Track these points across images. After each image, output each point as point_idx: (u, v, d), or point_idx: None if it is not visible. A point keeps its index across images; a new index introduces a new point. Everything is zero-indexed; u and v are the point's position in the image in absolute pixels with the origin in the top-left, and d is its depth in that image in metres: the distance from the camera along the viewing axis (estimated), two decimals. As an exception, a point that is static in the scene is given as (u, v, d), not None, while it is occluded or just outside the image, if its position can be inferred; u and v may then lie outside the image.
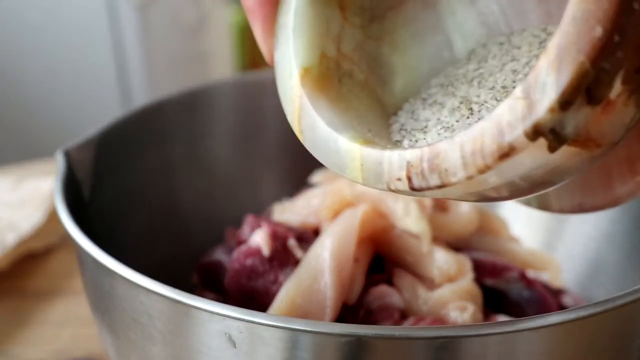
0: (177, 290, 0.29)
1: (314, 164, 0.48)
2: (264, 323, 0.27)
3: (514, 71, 0.28)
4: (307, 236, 0.40)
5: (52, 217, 0.59)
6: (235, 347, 0.28)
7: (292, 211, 0.42)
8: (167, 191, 0.50)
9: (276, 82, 0.30)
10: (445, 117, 0.29)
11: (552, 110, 0.22)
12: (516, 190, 0.25)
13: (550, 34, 0.29)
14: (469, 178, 0.24)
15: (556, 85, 0.21)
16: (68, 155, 0.41)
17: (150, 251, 0.46)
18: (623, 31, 0.21)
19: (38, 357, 0.48)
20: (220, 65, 1.70)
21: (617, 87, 0.22)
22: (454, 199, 0.27)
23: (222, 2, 1.73)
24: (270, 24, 0.30)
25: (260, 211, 0.47)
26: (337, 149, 0.27)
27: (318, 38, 0.30)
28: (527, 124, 0.22)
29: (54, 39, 1.32)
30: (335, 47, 0.30)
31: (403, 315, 0.37)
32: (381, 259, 0.40)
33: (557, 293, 0.42)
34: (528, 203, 0.34)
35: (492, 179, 0.24)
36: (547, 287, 0.41)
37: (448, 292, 0.37)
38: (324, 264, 0.36)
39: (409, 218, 0.39)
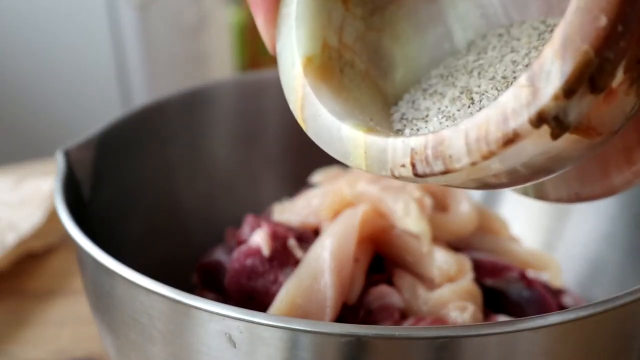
0: (177, 290, 0.29)
1: (314, 164, 0.48)
2: (264, 323, 0.27)
3: (514, 62, 0.28)
4: (307, 236, 0.40)
5: (52, 217, 0.59)
6: (235, 347, 0.28)
7: (292, 211, 0.42)
8: (167, 191, 0.50)
9: (279, 72, 0.30)
10: (446, 106, 0.29)
11: (556, 97, 0.22)
12: (516, 177, 0.25)
13: (549, 26, 0.29)
14: (473, 164, 0.24)
15: (560, 74, 0.22)
16: (68, 155, 0.41)
17: (150, 251, 0.46)
18: (626, 21, 0.21)
19: (38, 357, 0.48)
20: (220, 65, 1.70)
21: (619, 76, 0.22)
22: (455, 186, 0.27)
23: (222, 2, 1.73)
24: (272, 14, 0.31)
25: (260, 211, 0.47)
26: (340, 137, 0.27)
27: (320, 28, 0.30)
28: (532, 111, 0.22)
29: (54, 39, 1.32)
30: (337, 37, 0.31)
31: (403, 315, 0.37)
32: (381, 259, 0.40)
33: (557, 293, 0.42)
34: (525, 193, 0.34)
35: (495, 165, 0.24)
36: (547, 287, 0.41)
37: (448, 292, 0.37)
38: (324, 264, 0.36)
39: (409, 218, 0.39)
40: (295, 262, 0.38)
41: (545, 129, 0.22)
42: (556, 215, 0.50)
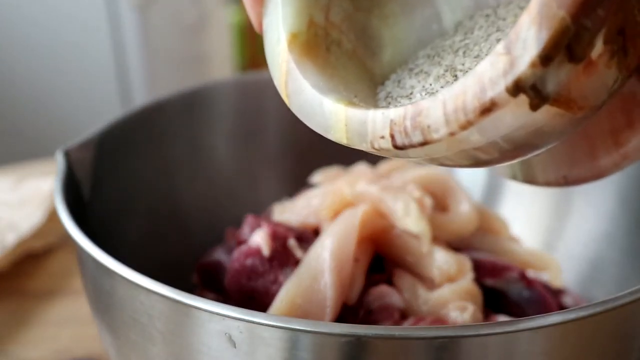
0: (177, 290, 0.29)
1: (314, 164, 0.48)
2: (264, 323, 0.27)
3: (499, 41, 0.28)
4: (307, 236, 0.40)
5: (52, 217, 0.59)
6: (235, 347, 0.28)
7: (292, 211, 0.42)
8: (167, 191, 0.50)
9: (264, 50, 0.30)
10: (430, 84, 0.29)
11: (533, 65, 0.22)
12: (501, 152, 0.25)
13: None
14: (451, 134, 0.24)
15: (537, 41, 0.21)
16: (68, 155, 0.41)
17: (150, 251, 0.46)
18: None
19: (38, 357, 0.48)
20: (220, 65, 1.70)
21: (599, 47, 0.22)
22: (444, 164, 0.27)
23: (222, 2, 1.73)
24: None
25: (260, 211, 0.47)
26: (322, 111, 0.27)
27: (306, 6, 0.30)
28: (509, 79, 0.22)
29: (54, 39, 1.32)
30: (323, 15, 0.31)
31: (403, 315, 0.37)
32: (381, 259, 0.40)
33: (557, 293, 0.42)
34: (514, 176, 0.34)
35: (474, 136, 0.24)
36: (547, 287, 0.41)
37: (448, 292, 0.37)
38: (324, 264, 0.36)
39: (409, 218, 0.39)
40: (295, 262, 0.38)
41: (523, 99, 0.22)
42: (556, 215, 0.50)
